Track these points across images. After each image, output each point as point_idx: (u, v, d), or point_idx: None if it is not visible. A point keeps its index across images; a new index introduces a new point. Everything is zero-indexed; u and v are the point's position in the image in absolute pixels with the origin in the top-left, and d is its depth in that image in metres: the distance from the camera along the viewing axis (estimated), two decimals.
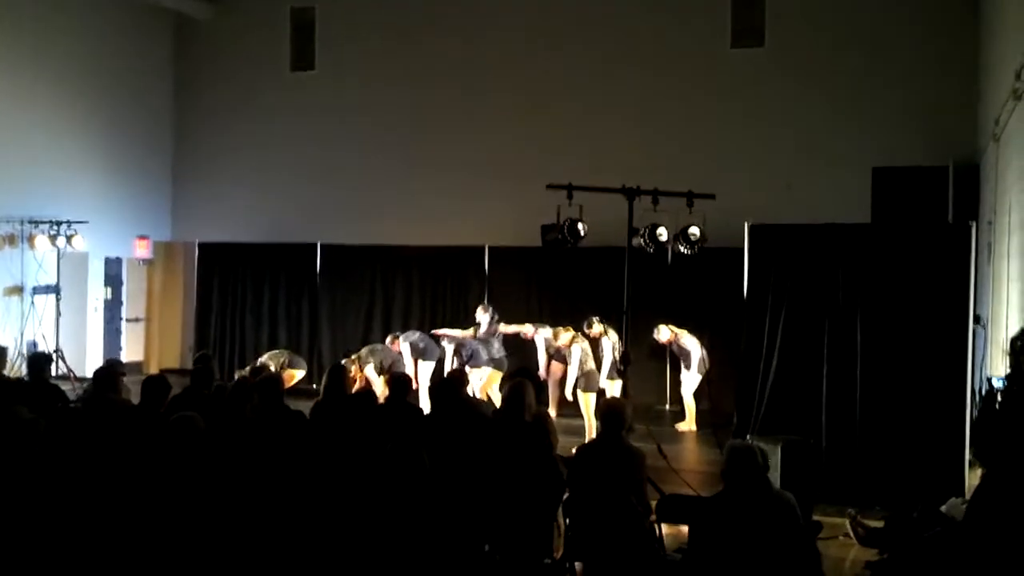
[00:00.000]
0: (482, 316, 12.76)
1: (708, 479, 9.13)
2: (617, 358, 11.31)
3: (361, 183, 16.80)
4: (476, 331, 12.71)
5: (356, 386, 11.69)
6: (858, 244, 9.29)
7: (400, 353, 12.62)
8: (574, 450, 6.72)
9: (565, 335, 11.66)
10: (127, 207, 17.12)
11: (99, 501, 5.56)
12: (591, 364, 11.40)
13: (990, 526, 5.06)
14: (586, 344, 11.53)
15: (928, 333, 8.89)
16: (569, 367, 11.46)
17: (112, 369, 8.51)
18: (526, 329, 12.68)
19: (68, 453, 6.03)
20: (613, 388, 11.27)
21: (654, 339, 12.62)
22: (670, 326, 12.55)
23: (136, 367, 16.55)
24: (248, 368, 11.64)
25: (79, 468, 5.88)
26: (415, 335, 12.99)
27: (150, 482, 5.55)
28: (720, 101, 14.99)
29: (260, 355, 12.64)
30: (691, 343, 12.42)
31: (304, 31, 17.59)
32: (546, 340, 12.41)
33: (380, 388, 11.74)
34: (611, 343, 11.55)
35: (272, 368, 11.82)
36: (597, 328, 11.78)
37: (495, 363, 12.33)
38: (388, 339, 13.05)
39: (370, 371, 12.03)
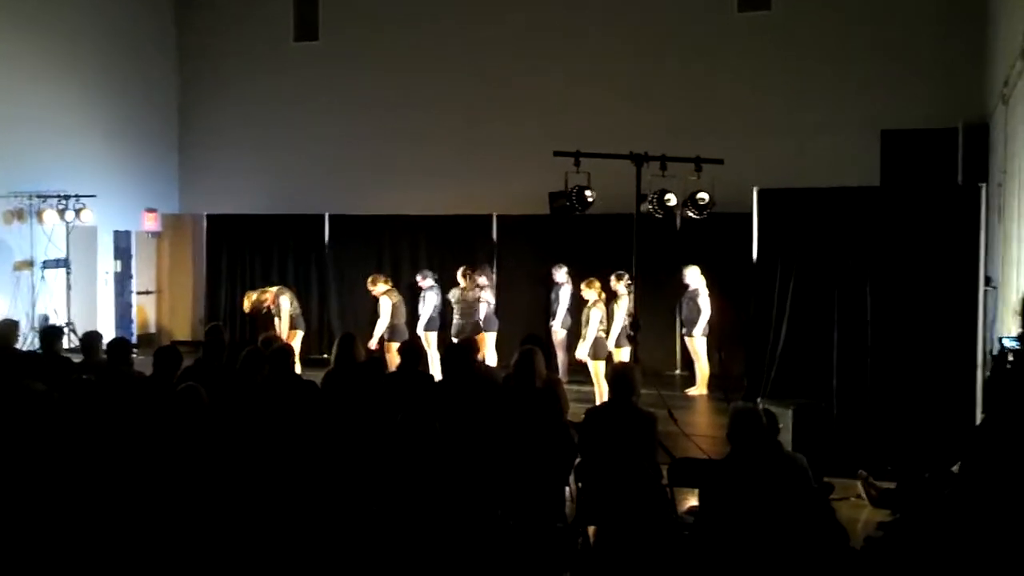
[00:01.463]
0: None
1: (720, 443, 9.16)
2: (627, 324, 11.30)
3: (368, 153, 16.79)
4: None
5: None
6: (868, 207, 9.27)
7: (420, 289, 13.09)
8: (583, 414, 6.74)
9: (591, 292, 11.50)
10: (134, 180, 17.14)
11: (111, 472, 5.59)
12: (602, 332, 11.34)
13: (987, 479, 5.10)
14: (604, 311, 11.42)
15: (938, 295, 8.88)
16: (588, 328, 11.36)
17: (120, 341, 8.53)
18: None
19: (81, 424, 6.06)
20: (621, 355, 11.26)
21: (681, 276, 12.52)
22: (702, 275, 12.50)
23: (147, 339, 16.64)
24: (255, 295, 12.46)
25: (92, 439, 5.92)
26: (439, 298, 13.08)
27: (161, 451, 5.59)
28: (728, 65, 14.93)
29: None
30: (706, 303, 12.37)
31: (307, 1, 17.51)
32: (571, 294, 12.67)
33: (387, 310, 12.41)
34: (624, 310, 11.47)
35: (286, 305, 12.40)
36: (622, 287, 11.54)
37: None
38: (419, 275, 13.31)
39: (384, 302, 12.55)
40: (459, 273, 12.97)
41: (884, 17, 14.13)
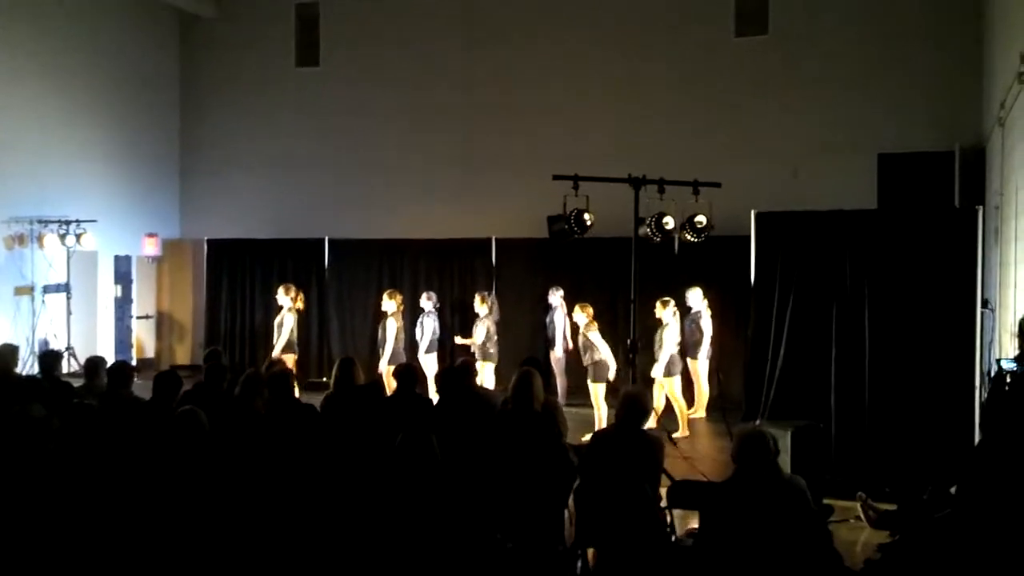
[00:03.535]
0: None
1: (719, 465, 9.19)
2: (675, 352, 11.38)
3: (368, 177, 16.84)
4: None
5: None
6: (865, 230, 9.30)
7: (422, 311, 13.01)
8: (588, 437, 6.75)
9: (582, 315, 11.41)
10: (135, 205, 17.18)
11: (112, 496, 5.60)
12: (601, 354, 11.29)
13: (985, 500, 5.11)
14: (597, 333, 11.39)
15: (936, 317, 8.91)
16: (588, 353, 11.35)
17: (123, 365, 8.54)
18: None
19: (81, 449, 6.07)
20: (674, 384, 11.42)
21: (683, 298, 12.34)
22: (704, 297, 12.44)
23: (147, 364, 16.65)
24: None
25: (93, 463, 5.93)
26: (437, 322, 13.07)
27: (160, 475, 5.60)
28: (725, 90, 14.99)
29: (270, 350, 12.57)
30: (708, 326, 12.35)
31: (309, 27, 17.61)
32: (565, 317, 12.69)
33: (393, 332, 12.38)
34: (674, 336, 11.45)
35: (289, 324, 12.36)
36: (668, 314, 11.53)
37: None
38: (425, 295, 13.22)
39: (391, 324, 12.47)
40: (477, 298, 12.96)
41: (880, 41, 14.20)
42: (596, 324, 11.39)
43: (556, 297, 13.00)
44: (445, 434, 6.24)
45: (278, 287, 13.07)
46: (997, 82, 11.36)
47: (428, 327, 12.86)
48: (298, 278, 15.74)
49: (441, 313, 13.38)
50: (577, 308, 11.55)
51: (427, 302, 13.03)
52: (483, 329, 12.67)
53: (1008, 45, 10.33)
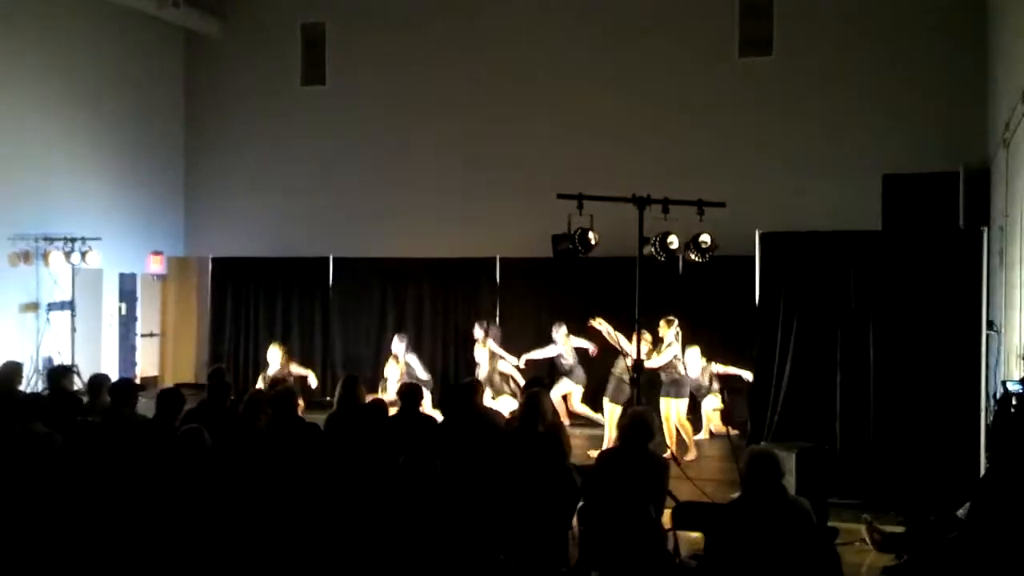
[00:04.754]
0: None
1: (722, 487, 9.15)
2: (682, 374, 11.26)
3: (372, 196, 16.84)
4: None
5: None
6: (869, 251, 9.29)
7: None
8: (592, 452, 6.73)
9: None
10: (140, 223, 17.20)
11: (114, 514, 5.58)
12: (623, 376, 11.17)
13: (994, 524, 5.08)
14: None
15: (941, 338, 8.88)
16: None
17: (128, 383, 8.53)
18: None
19: (84, 467, 6.06)
20: (677, 406, 11.24)
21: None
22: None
23: (151, 382, 16.63)
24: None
25: (95, 482, 5.92)
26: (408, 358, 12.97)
27: (163, 493, 5.58)
28: (729, 110, 15.00)
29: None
30: (694, 360, 12.14)
31: (314, 46, 17.65)
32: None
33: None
34: (671, 357, 11.22)
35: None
36: (671, 334, 11.25)
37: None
38: (397, 339, 13.00)
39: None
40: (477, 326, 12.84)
41: (885, 62, 14.22)
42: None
43: (559, 334, 12.83)
44: (449, 454, 6.23)
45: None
46: (1002, 103, 11.36)
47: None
48: (302, 297, 15.78)
49: (444, 333, 13.28)
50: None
51: (399, 344, 12.86)
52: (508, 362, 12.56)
53: (1013, 66, 10.34)
